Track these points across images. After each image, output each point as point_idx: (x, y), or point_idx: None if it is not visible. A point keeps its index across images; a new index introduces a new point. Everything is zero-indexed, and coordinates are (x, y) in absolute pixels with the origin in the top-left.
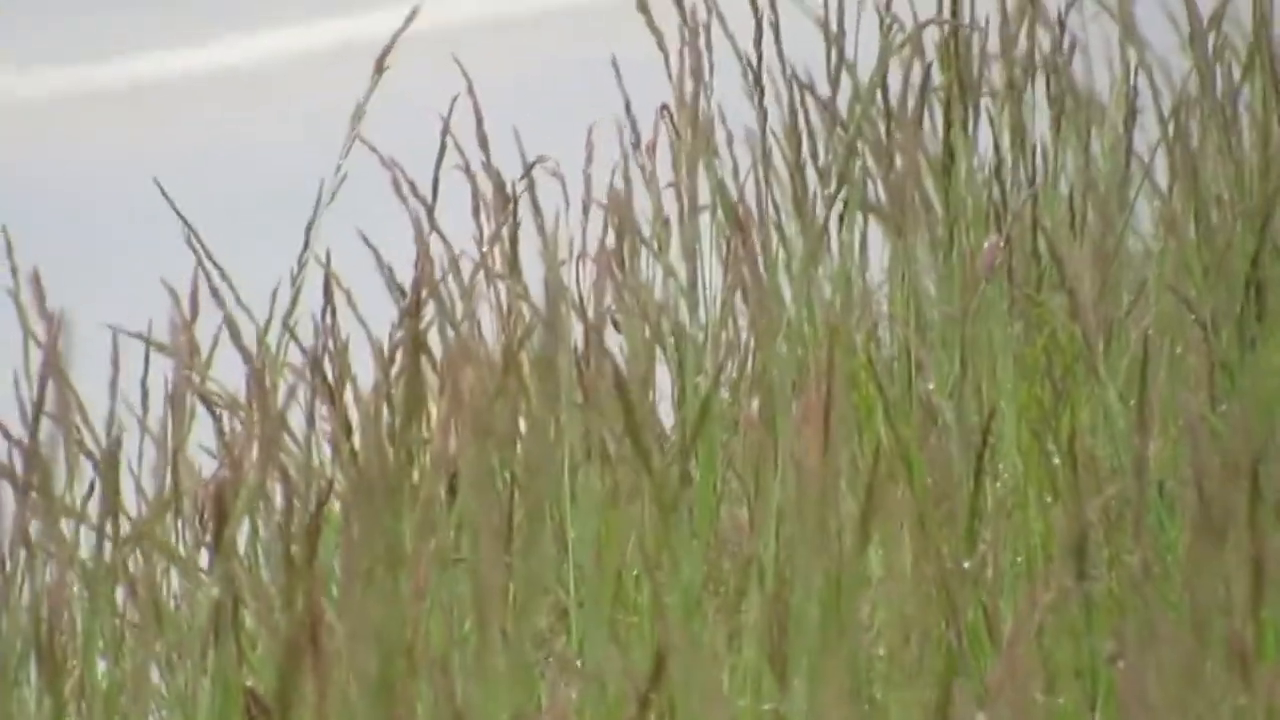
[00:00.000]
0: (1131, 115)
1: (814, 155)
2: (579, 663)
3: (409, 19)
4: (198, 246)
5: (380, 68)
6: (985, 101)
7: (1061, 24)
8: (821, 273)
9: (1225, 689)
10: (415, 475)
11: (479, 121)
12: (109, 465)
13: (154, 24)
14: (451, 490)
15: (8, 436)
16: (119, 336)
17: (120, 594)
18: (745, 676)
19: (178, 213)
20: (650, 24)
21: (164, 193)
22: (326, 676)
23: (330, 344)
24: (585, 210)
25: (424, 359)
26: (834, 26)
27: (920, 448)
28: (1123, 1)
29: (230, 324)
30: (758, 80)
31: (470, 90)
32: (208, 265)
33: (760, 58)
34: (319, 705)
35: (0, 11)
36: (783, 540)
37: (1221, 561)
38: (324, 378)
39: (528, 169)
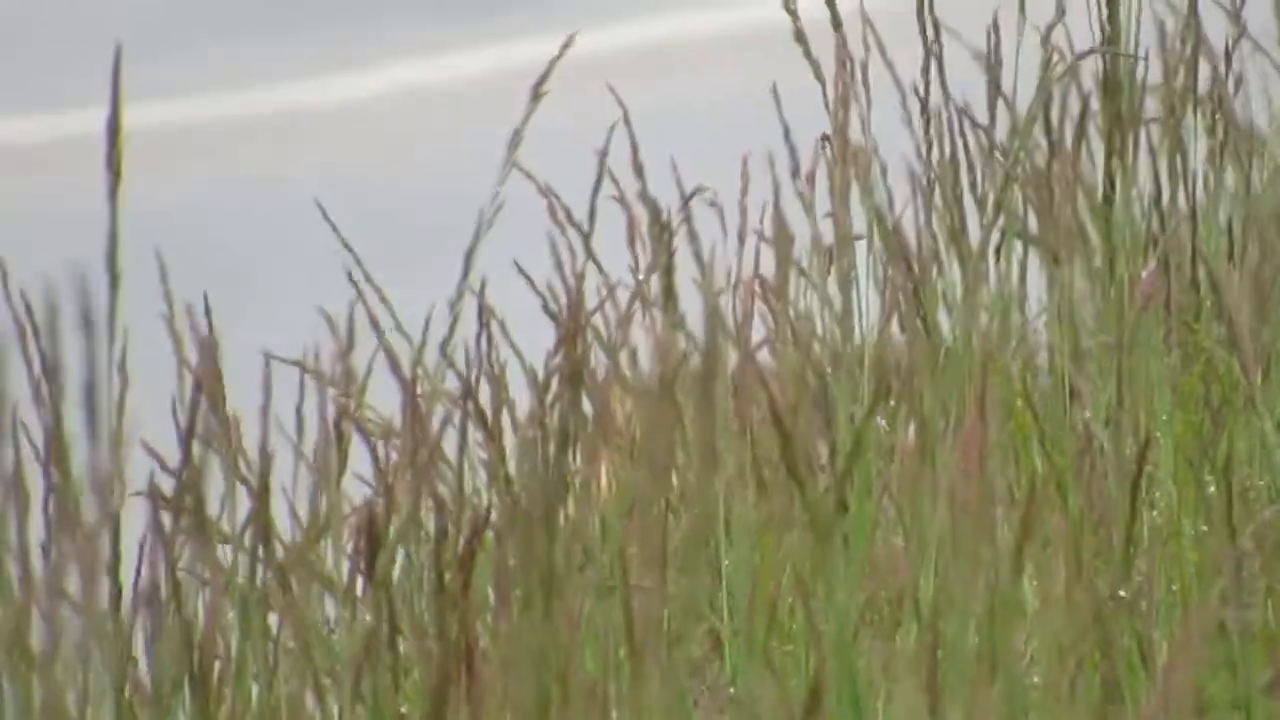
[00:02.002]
0: None
1: (972, 185)
2: (733, 691)
3: (565, 45)
4: (357, 274)
5: (537, 94)
6: (1144, 131)
7: (1228, 55)
8: (979, 302)
9: None
10: (570, 504)
11: (634, 150)
12: (262, 490)
13: (309, 52)
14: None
15: (162, 465)
16: (273, 364)
17: (274, 620)
18: (901, 706)
19: (341, 239)
20: (807, 53)
21: (326, 216)
22: (480, 705)
23: (486, 372)
24: (741, 239)
25: (580, 387)
26: (992, 57)
27: (1076, 477)
28: None
29: (388, 351)
30: (924, 108)
31: (626, 119)
32: (366, 291)
33: (928, 85)
34: None
35: (139, 42)
36: (938, 569)
37: None
38: (479, 406)
39: (687, 199)
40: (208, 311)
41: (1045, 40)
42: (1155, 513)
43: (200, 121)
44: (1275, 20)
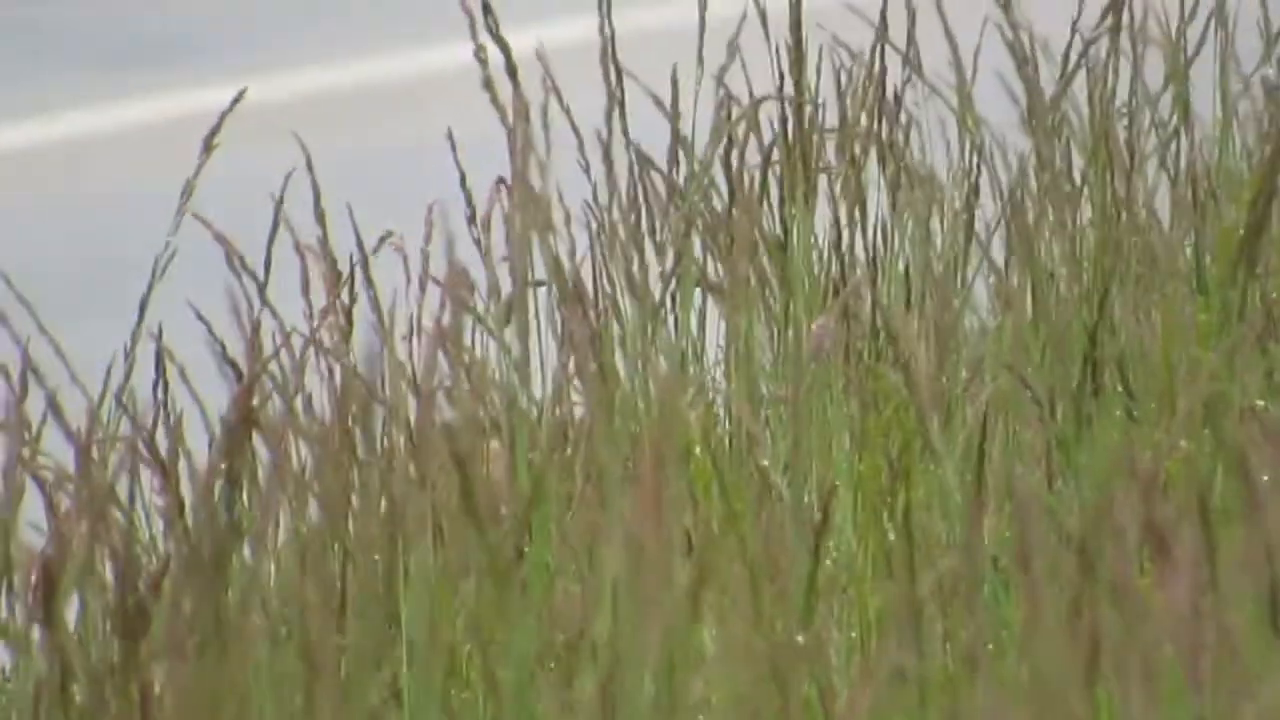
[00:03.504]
0: (972, 192)
1: (652, 231)
2: None
3: (236, 98)
4: (29, 322)
5: (209, 145)
6: (824, 179)
7: (898, 100)
8: (657, 349)
9: None
10: (246, 550)
11: (316, 197)
12: None
13: None
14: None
15: None
16: None
17: None
18: None
19: (12, 289)
20: (494, 100)
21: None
22: None
23: (163, 419)
24: (423, 286)
25: (252, 434)
26: (674, 106)
27: (754, 524)
28: (961, 80)
29: (52, 402)
30: (606, 153)
31: (309, 165)
32: (37, 340)
33: (610, 131)
34: None
35: None
36: (615, 616)
37: (1056, 636)
38: (155, 452)
39: (375, 247)
40: None
41: (719, 82)
42: (834, 559)
43: None
44: (952, 66)
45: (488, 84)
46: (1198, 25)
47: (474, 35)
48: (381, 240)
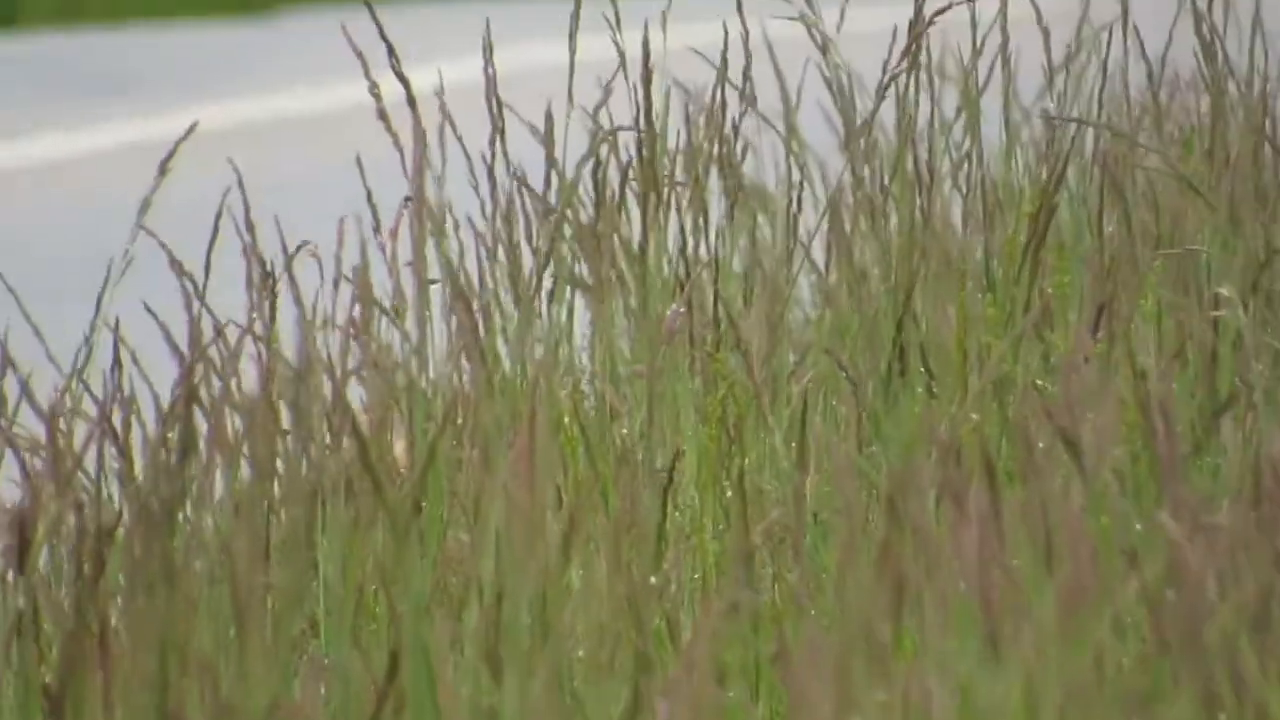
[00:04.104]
0: (797, 204)
1: (529, 238)
2: (326, 661)
3: (190, 129)
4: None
5: (164, 169)
6: (673, 194)
7: (735, 128)
8: (532, 336)
9: (868, 682)
10: (189, 506)
11: (246, 210)
12: None
13: None
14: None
15: None
16: None
17: None
18: (466, 674)
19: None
20: (388, 129)
21: None
22: (111, 674)
23: (119, 397)
24: (336, 285)
25: (196, 408)
26: (546, 133)
27: (615, 483)
28: (788, 111)
29: (24, 385)
30: (490, 174)
31: (240, 185)
32: (18, 324)
33: (494, 155)
34: (105, 698)
35: None
36: (498, 561)
37: (867, 578)
38: (112, 425)
39: (292, 253)
40: None
41: (590, 115)
42: (680, 513)
43: None
44: (781, 101)
45: (383, 115)
46: (986, 62)
47: (366, 74)
48: (298, 248)
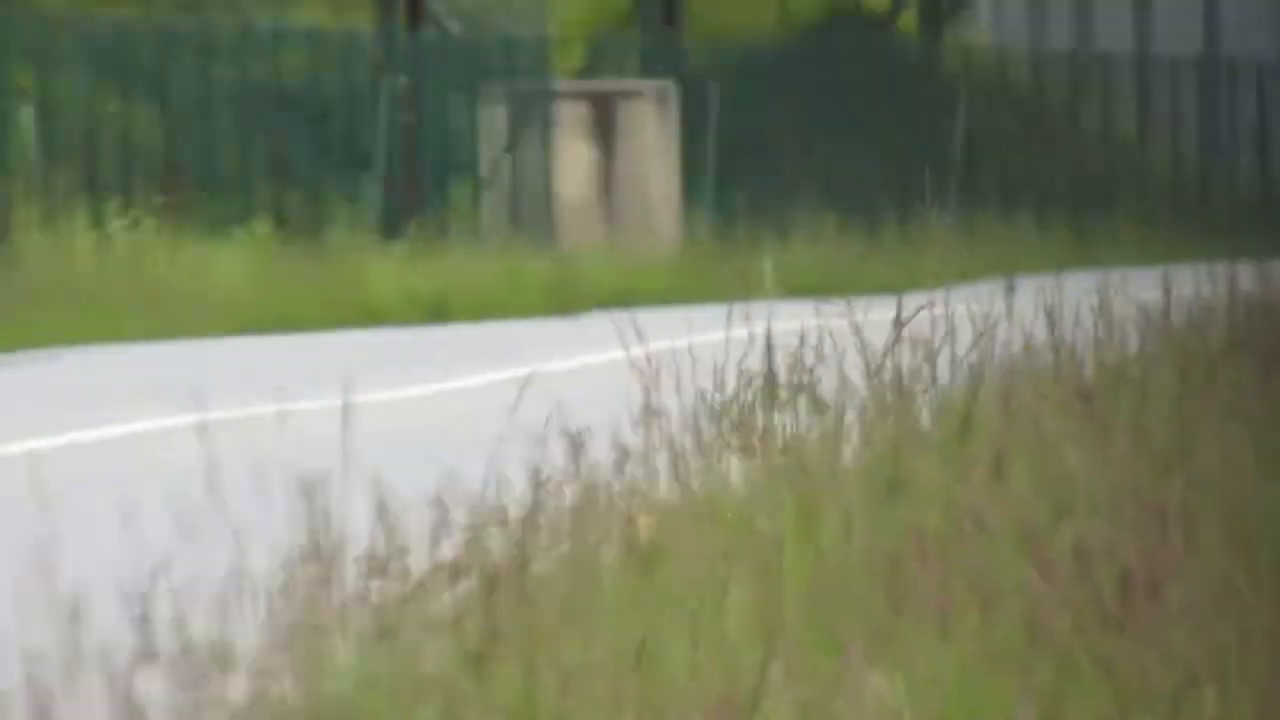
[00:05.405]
0: (841, 408)
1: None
2: None
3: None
4: None
5: None
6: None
7: (810, 370)
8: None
9: None
10: None
11: None
12: None
13: None
14: None
15: None
16: None
17: None
18: None
19: None
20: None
21: None
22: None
23: None
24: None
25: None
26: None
27: None
28: (838, 359)
29: None
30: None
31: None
32: None
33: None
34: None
35: None
36: None
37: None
38: None
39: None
40: None
41: (740, 366)
42: None
43: None
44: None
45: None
46: (939, 335)
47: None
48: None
